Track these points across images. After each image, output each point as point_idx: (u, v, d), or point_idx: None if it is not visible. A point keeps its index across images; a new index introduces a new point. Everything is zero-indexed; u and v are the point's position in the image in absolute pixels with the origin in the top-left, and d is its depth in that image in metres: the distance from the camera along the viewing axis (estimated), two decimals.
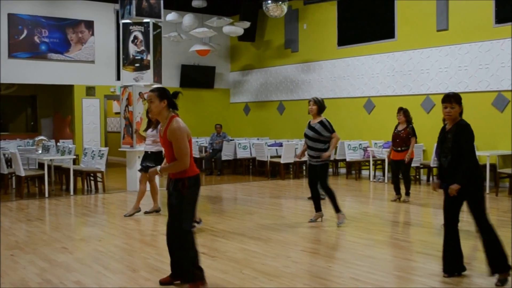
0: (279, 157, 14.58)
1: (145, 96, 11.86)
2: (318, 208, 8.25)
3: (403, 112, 10.09)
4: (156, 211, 9.20)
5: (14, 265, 5.96)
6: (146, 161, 8.97)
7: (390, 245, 6.85)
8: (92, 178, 12.24)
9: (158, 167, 4.91)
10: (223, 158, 15.56)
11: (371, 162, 13.75)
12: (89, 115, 17.16)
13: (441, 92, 13.30)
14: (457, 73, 13.01)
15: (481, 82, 12.54)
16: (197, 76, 19.08)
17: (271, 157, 14.72)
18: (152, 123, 9.07)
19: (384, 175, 13.54)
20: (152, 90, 4.90)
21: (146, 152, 9.09)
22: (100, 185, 12.17)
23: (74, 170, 11.78)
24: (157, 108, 4.86)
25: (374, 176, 13.82)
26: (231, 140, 15.94)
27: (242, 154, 15.57)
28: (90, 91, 17.10)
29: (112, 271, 5.70)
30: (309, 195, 10.80)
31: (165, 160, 5.06)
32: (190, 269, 4.89)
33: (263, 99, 18.72)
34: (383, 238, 7.22)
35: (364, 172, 14.77)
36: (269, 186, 13.02)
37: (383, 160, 13.91)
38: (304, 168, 15.25)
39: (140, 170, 9.16)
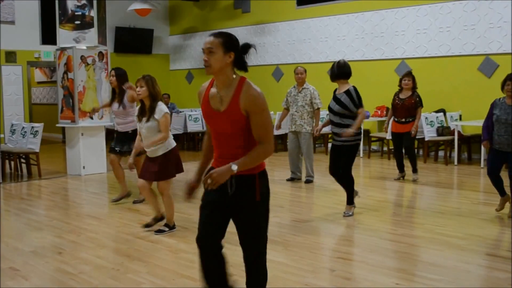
0: None
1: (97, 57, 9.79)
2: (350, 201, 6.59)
3: (413, 78, 8.61)
4: (127, 195, 7.48)
5: None
6: (125, 143, 7.13)
7: (445, 245, 5.27)
8: (23, 160, 10.09)
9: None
10: (172, 132, 13.55)
11: None
12: (9, 85, 14.66)
13: (418, 56, 12.07)
14: (438, 35, 11.74)
15: (466, 45, 11.35)
16: (133, 40, 16.92)
17: None
18: (115, 94, 7.14)
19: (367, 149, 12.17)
20: (215, 35, 3.02)
21: (119, 132, 7.30)
22: (34, 169, 10.04)
23: (1, 152, 9.59)
24: (218, 62, 2.97)
25: None
26: (180, 112, 14.04)
27: (193, 127, 13.71)
28: (10, 57, 14.58)
29: None
30: (288, 176, 9.27)
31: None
32: None
33: None
34: (428, 234, 5.68)
35: None
36: None
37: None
38: None
39: (111, 152, 7.37)
